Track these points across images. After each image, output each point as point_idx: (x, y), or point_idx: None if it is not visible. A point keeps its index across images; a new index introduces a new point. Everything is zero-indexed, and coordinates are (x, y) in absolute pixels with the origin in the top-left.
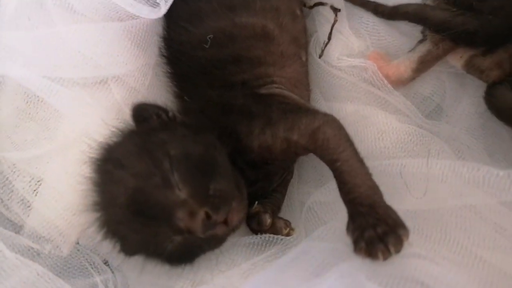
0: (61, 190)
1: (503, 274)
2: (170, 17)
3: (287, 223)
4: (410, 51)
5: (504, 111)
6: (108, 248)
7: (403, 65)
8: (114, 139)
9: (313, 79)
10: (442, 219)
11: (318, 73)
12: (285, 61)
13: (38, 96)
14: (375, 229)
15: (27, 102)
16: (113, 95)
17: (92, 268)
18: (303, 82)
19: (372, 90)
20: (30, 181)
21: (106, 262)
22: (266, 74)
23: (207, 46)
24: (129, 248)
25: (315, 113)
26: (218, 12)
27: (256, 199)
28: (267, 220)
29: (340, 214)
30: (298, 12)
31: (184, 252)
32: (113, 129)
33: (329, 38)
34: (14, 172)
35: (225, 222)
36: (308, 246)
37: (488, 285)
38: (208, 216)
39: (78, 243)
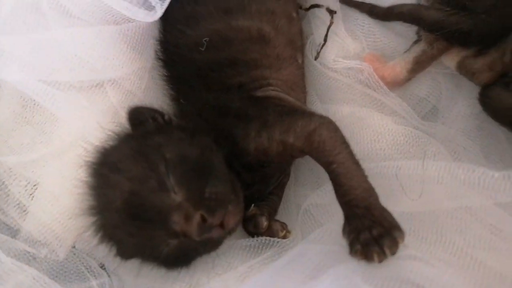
0: (57, 194)
1: (499, 275)
2: (166, 20)
3: (284, 226)
4: (405, 52)
5: (499, 111)
6: (104, 252)
7: (399, 66)
8: (110, 143)
9: (309, 81)
10: (438, 220)
11: (314, 75)
12: (281, 64)
13: (34, 100)
14: (371, 231)
15: (23, 106)
16: (109, 99)
17: (88, 272)
18: (299, 84)
19: (368, 92)
20: (26, 185)
21: (102, 266)
22: (262, 77)
23: (203, 49)
24: (125, 252)
25: (311, 115)
26: (214, 15)
27: (252, 201)
28: (264, 222)
29: (336, 216)
30: (294, 14)
31: (180, 256)
32: (109, 133)
33: (325, 40)
34: (10, 176)
35: (221, 225)
36: (304, 249)
37: (483, 287)
38: (203, 219)
39: (74, 247)
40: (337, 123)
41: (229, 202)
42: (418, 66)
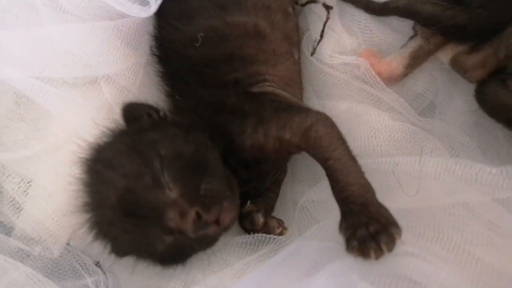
0: (51, 191)
1: (496, 272)
2: (161, 15)
3: (280, 223)
4: (401, 47)
5: (495, 108)
6: (99, 249)
7: (395, 62)
8: (105, 139)
9: (305, 77)
10: (435, 217)
11: (311, 71)
12: (277, 59)
13: (28, 97)
14: (368, 227)
15: (16, 103)
16: (104, 95)
17: (83, 269)
18: (296, 80)
19: (364, 88)
20: (20, 182)
21: (97, 263)
22: (258, 73)
23: (198, 45)
24: (120, 249)
25: (307, 111)
26: (209, 11)
27: (249, 198)
28: (260, 219)
29: (333, 212)
30: (290, 10)
31: (175, 253)
32: (104, 129)
33: (322, 36)
34: (4, 173)
35: (217, 222)
36: (300, 245)
37: (481, 283)
38: (199, 216)
39: (68, 244)
40: (334, 119)
41: (225, 199)
42: (415, 61)
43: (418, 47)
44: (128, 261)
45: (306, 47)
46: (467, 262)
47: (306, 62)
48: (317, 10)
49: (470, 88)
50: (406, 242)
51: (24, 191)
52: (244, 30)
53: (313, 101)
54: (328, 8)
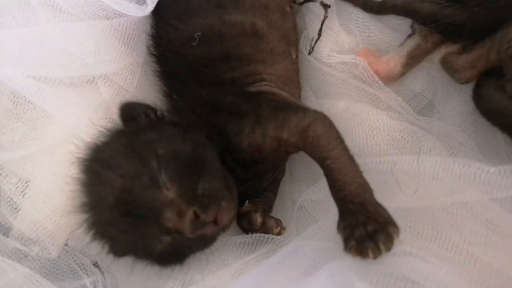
0: (48, 191)
1: (494, 271)
2: (158, 14)
3: (278, 222)
4: (399, 46)
5: (491, 112)
6: (97, 249)
7: (393, 60)
8: (102, 139)
9: (303, 76)
10: (434, 216)
11: (309, 70)
12: (275, 59)
13: (25, 97)
14: (366, 227)
15: (14, 103)
16: (101, 94)
17: (81, 269)
18: (293, 79)
19: (363, 87)
20: (17, 183)
21: (95, 264)
22: (256, 72)
23: (195, 44)
24: (118, 249)
25: (305, 110)
26: (207, 10)
27: (247, 198)
28: (258, 219)
29: (331, 212)
30: (288, 9)
31: (173, 253)
32: (101, 129)
33: (319, 35)
34: (1, 173)
35: (215, 221)
36: (299, 245)
37: (479, 283)
38: (196, 216)
39: (66, 244)
40: (332, 119)
41: (223, 199)
42: (413, 60)
43: (416, 45)
44: (126, 261)
45: (304, 46)
46: (465, 261)
47: (304, 61)
48: (315, 8)
49: (469, 87)
50: (404, 242)
51: (22, 192)
52: (242, 29)
53: (311, 100)
54: (326, 6)
